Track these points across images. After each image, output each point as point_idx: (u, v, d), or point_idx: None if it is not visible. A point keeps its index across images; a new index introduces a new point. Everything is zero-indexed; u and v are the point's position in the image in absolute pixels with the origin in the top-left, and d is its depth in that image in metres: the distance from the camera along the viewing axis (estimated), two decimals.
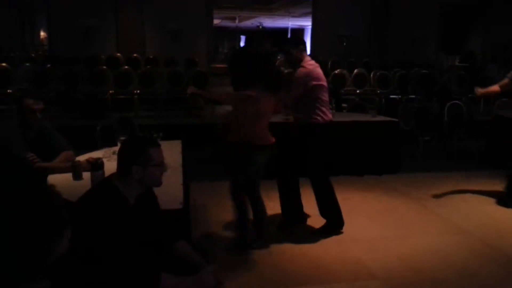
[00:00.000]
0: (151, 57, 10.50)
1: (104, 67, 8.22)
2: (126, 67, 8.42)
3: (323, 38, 11.84)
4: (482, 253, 3.29)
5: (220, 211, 4.09)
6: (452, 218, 3.99)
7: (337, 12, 11.62)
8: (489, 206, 4.27)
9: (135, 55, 10.25)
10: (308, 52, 14.07)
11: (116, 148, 3.42)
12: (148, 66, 8.84)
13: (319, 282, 2.88)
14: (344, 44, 11.53)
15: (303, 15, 16.29)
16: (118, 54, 10.24)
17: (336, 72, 8.60)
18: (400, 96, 8.44)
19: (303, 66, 3.41)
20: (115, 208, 1.80)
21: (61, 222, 1.28)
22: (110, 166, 2.69)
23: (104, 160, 2.75)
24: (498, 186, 4.54)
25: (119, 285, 1.73)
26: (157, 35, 11.20)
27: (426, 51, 12.04)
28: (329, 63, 10.20)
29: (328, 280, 2.91)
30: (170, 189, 2.48)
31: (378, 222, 3.87)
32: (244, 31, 27.09)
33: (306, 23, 18.16)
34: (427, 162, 5.87)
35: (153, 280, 1.76)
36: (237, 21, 19.74)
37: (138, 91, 7.78)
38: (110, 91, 7.66)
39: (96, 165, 2.46)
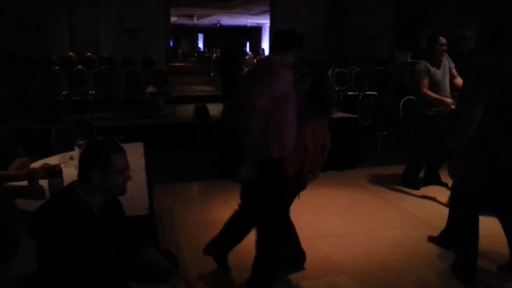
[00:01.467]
0: (106, 56, 10.17)
1: (57, 67, 7.86)
2: (80, 66, 8.10)
3: None
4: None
5: (186, 213, 4.03)
6: (412, 210, 4.14)
7: (295, 10, 11.73)
8: (446, 197, 4.46)
9: (89, 54, 9.88)
10: (267, 50, 14.12)
11: (74, 153, 3.28)
12: (104, 66, 8.54)
13: (288, 279, 2.89)
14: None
15: (261, 13, 16.34)
16: (71, 54, 9.84)
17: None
18: (357, 93, 8.65)
19: None
20: (78, 218, 1.71)
21: (13, 235, 1.19)
22: (68, 172, 2.57)
23: (61, 166, 2.62)
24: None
25: None
26: (113, 34, 10.86)
27: (382, 47, 12.40)
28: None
29: (297, 277, 2.93)
30: (135, 193, 2.40)
31: (342, 217, 3.94)
32: (202, 29, 26.87)
33: (264, 21, 18.24)
34: (386, 156, 6.06)
35: None
36: (195, 18, 19.50)
37: (94, 92, 7.51)
38: (64, 92, 7.34)
39: (53, 172, 2.33)
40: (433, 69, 4.31)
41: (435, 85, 4.31)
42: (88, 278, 1.65)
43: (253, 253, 2.71)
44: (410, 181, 4.71)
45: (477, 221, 2.76)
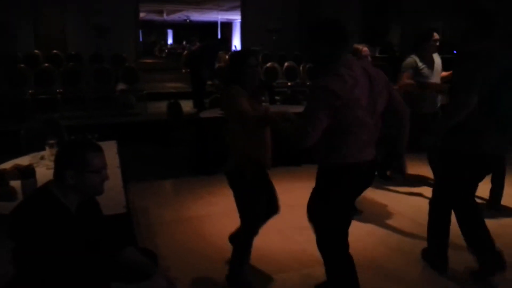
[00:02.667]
0: (73, 53, 9.91)
1: (22, 65, 7.60)
2: (46, 64, 7.86)
3: (253, 32, 11.95)
4: (414, 232, 3.55)
5: (161, 211, 4.01)
6: (384, 201, 4.26)
7: (266, 6, 11.77)
8: (416, 187, 4.61)
9: (55, 51, 9.60)
10: (239, 45, 14.03)
11: (45, 153, 3.21)
12: (71, 63, 8.33)
13: (266, 272, 2.93)
14: (274, 38, 11.73)
15: (231, 8, 16.28)
16: (37, 51, 9.53)
17: (268, 65, 8.73)
18: None
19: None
20: (55, 218, 1.68)
21: None
22: (39, 172, 2.52)
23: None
24: (421, 168, 4.92)
25: None
26: (80, 30, 10.59)
27: (352, 43, 12.59)
28: (260, 57, 10.33)
29: (275, 270, 2.97)
30: (111, 192, 2.36)
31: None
32: (171, 25, 26.53)
33: (235, 17, 18.18)
34: None
35: None
36: (164, 14, 19.22)
37: (62, 90, 7.30)
38: (30, 91, 7.11)
39: (26, 173, 2.27)
40: (421, 65, 4.19)
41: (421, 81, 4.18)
42: (68, 279, 1.62)
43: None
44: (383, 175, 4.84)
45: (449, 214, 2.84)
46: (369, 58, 4.09)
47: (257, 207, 2.62)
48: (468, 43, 2.64)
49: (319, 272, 2.91)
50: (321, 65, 2.24)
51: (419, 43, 4.30)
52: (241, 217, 2.67)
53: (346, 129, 2.16)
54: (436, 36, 4.25)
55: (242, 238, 2.73)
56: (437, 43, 4.26)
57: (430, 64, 4.25)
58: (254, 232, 2.68)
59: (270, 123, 2.43)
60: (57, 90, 7.30)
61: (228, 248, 3.28)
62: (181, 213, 3.99)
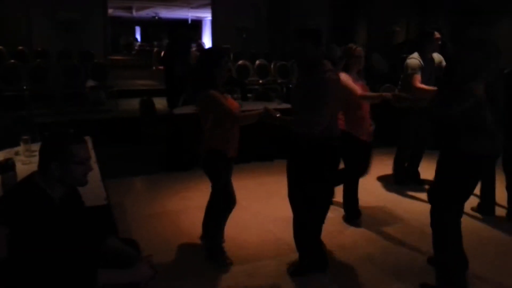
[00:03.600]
0: (40, 49, 9.65)
1: None
2: (12, 61, 7.64)
3: (224, 30, 11.97)
4: (383, 221, 3.75)
5: (137, 207, 4.04)
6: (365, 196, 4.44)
7: (236, 4, 11.81)
8: (385, 180, 4.84)
9: (20, 47, 9.33)
10: (210, 44, 13.93)
11: (19, 149, 3.20)
12: (38, 60, 8.13)
13: (242, 261, 3.04)
14: (244, 36, 11.81)
15: (201, 6, 16.22)
16: (1, 47, 9.23)
17: (240, 63, 8.81)
18: None
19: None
20: (40, 208, 1.72)
21: None
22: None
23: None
24: (389, 162, 5.15)
25: (56, 285, 1.67)
26: (45, 26, 10.30)
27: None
28: (232, 55, 10.40)
29: (253, 258, 3.09)
30: (90, 186, 2.39)
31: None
32: (139, 21, 26.12)
33: (205, 15, 18.13)
34: None
35: (90, 277, 1.73)
36: (133, 11, 18.92)
37: (29, 87, 7.13)
38: None
39: (6, 166, 2.28)
40: (423, 64, 4.18)
41: (422, 81, 4.13)
42: (54, 266, 1.67)
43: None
44: (399, 179, 4.72)
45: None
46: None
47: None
48: (467, 33, 2.49)
49: (294, 258, 3.05)
50: (306, 65, 2.65)
51: (421, 43, 4.27)
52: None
53: None
54: (437, 35, 4.25)
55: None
56: (439, 42, 4.27)
57: (431, 63, 4.30)
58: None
59: (271, 119, 2.68)
60: (24, 87, 7.12)
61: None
62: (156, 208, 4.03)
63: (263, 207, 3.98)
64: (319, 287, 2.79)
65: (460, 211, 2.63)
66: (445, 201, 2.56)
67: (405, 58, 4.38)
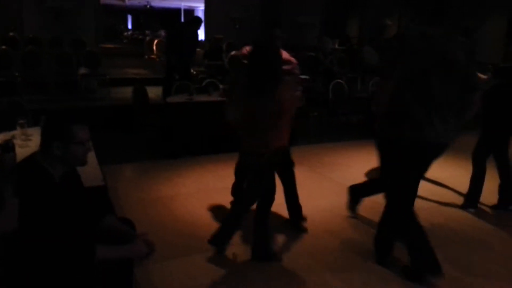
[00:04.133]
0: (31, 36, 9.60)
1: None
2: (4, 47, 7.62)
3: (217, 20, 11.99)
4: (370, 208, 3.88)
5: (131, 192, 4.12)
6: (342, 180, 4.58)
7: None
8: (371, 169, 4.98)
9: (12, 34, 9.27)
10: (203, 34, 13.91)
11: (16, 132, 3.26)
12: (30, 46, 8.11)
13: (237, 244, 3.16)
14: (237, 26, 11.85)
15: None
16: None
17: (232, 53, 8.86)
18: None
19: None
20: (42, 185, 1.80)
21: None
22: None
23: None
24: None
25: (55, 260, 1.76)
26: (37, 13, 10.24)
27: (311, 35, 12.95)
28: (224, 45, 10.43)
29: (243, 242, 3.20)
30: (87, 168, 2.48)
31: (280, 190, 4.26)
32: (131, 10, 25.91)
33: (197, 4, 18.07)
34: (317, 135, 6.53)
35: (89, 253, 1.82)
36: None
37: (18, 74, 7.12)
38: None
39: (6, 147, 2.35)
40: None
41: None
42: (56, 239, 1.76)
43: None
44: None
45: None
46: None
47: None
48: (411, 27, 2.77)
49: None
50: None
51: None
52: None
53: None
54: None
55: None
56: None
57: None
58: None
59: None
60: (16, 74, 7.12)
61: (198, 224, 3.49)
62: (149, 194, 4.12)
63: None
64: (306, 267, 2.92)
65: (411, 199, 2.76)
66: (393, 189, 2.73)
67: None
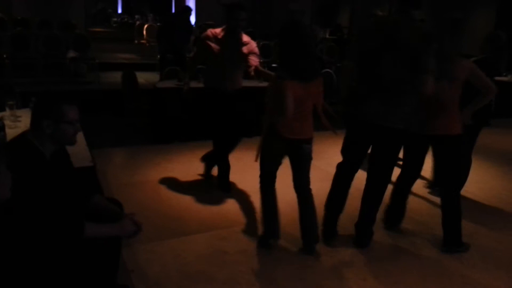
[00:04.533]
0: (20, 17, 9.47)
1: None
2: None
3: (208, 6, 11.93)
4: (353, 195, 3.98)
5: (119, 175, 4.18)
6: (328, 168, 4.66)
7: None
8: None
9: (0, 15, 9.13)
10: (194, 20, 13.81)
11: (5, 114, 3.28)
12: (19, 28, 8.01)
13: (220, 227, 3.26)
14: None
15: None
16: None
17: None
18: None
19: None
20: (33, 162, 1.85)
21: None
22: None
23: None
24: None
25: (45, 235, 1.82)
26: None
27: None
28: None
29: (228, 225, 3.30)
30: (76, 148, 2.53)
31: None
32: None
33: None
34: None
35: (77, 229, 1.87)
36: None
37: (5, 56, 7.05)
38: None
39: None
40: None
41: None
42: (45, 215, 1.81)
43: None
44: None
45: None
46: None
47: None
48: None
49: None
50: None
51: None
52: None
53: None
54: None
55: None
56: None
57: None
58: None
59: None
60: (4, 55, 7.04)
61: (185, 207, 3.56)
62: (138, 177, 4.18)
63: (241, 181, 4.15)
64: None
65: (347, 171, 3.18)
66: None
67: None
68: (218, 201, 3.72)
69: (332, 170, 4.52)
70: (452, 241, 3.06)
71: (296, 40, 2.61)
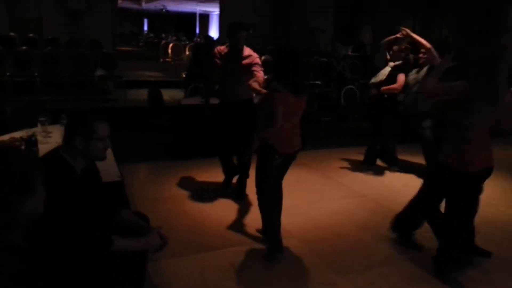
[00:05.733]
0: (50, 37, 9.85)
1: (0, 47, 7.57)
2: (24, 47, 7.84)
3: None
4: (376, 212, 3.93)
5: (143, 191, 4.23)
6: (351, 185, 4.64)
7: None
8: (380, 174, 5.02)
9: (31, 35, 9.52)
10: (216, 37, 14.00)
11: (36, 129, 3.39)
12: (49, 47, 8.32)
13: (245, 242, 3.25)
14: (250, 31, 11.97)
15: (209, 0, 16.38)
16: (12, 34, 9.43)
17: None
18: None
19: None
20: (64, 176, 1.91)
21: (30, 178, 1.37)
22: None
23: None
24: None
25: (74, 249, 1.86)
26: (55, 14, 10.50)
27: (324, 40, 13.02)
28: None
29: (252, 241, 3.29)
30: (105, 164, 2.59)
31: (290, 192, 4.28)
32: (147, 14, 26.27)
33: (212, 9, 18.27)
34: (328, 139, 6.59)
35: (106, 243, 1.91)
36: (143, 3, 19.07)
37: (36, 74, 7.32)
38: (8, 73, 7.11)
39: (30, 142, 2.47)
40: None
41: None
42: (76, 229, 1.86)
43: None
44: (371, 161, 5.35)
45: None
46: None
47: None
48: None
49: (291, 242, 3.24)
50: None
51: None
52: None
53: None
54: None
55: None
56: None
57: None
58: None
59: None
60: (35, 74, 7.32)
61: (209, 223, 3.58)
62: (162, 192, 4.23)
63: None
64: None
65: None
66: None
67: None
68: (241, 216, 3.72)
69: (358, 188, 4.52)
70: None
71: (293, 60, 2.85)
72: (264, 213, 3.13)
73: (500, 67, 2.59)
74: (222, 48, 4.09)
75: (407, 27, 4.64)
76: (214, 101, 4.38)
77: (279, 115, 2.73)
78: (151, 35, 22.22)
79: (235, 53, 3.95)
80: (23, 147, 2.49)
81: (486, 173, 2.73)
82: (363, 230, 3.58)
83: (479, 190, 2.94)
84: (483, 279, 2.91)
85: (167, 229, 3.33)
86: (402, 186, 4.56)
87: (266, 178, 3.00)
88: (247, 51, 3.96)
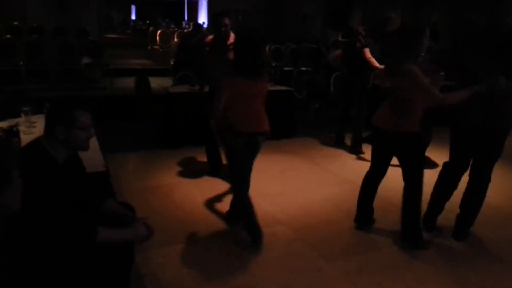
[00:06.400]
0: (35, 25, 9.65)
1: None
2: (8, 36, 7.67)
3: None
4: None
5: (132, 180, 4.20)
6: (340, 172, 4.65)
7: None
8: (369, 160, 5.03)
9: (16, 23, 9.32)
10: (206, 24, 13.88)
11: (20, 120, 3.33)
12: (34, 35, 8.15)
13: (234, 232, 3.24)
14: (240, 18, 11.85)
15: None
16: None
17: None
18: (292, 68, 9.09)
19: None
20: (45, 167, 1.86)
21: (6, 168, 1.33)
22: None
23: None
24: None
25: (58, 240, 1.83)
26: (40, 2, 10.28)
27: (315, 27, 12.94)
28: None
29: (242, 229, 3.27)
30: (90, 154, 2.55)
31: (280, 179, 4.35)
32: (134, 0, 25.84)
33: None
34: (317, 126, 6.58)
35: (90, 233, 1.88)
36: None
37: (21, 63, 7.18)
38: None
39: (11, 132, 2.42)
40: None
41: None
42: (58, 220, 1.83)
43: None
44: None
45: None
46: None
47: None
48: None
49: (280, 230, 3.25)
50: None
51: None
52: None
53: None
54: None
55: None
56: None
57: None
58: None
59: None
60: (20, 63, 7.17)
61: (198, 212, 3.57)
62: (150, 182, 4.20)
63: (251, 184, 4.14)
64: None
65: None
66: None
67: None
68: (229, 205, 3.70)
69: (347, 175, 4.53)
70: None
71: (246, 45, 2.88)
72: (237, 198, 3.14)
73: None
74: (210, 37, 4.17)
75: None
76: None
77: (221, 98, 2.83)
78: (140, 22, 21.88)
79: (221, 42, 3.98)
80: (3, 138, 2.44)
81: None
82: (351, 216, 3.57)
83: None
84: (462, 265, 2.95)
85: (155, 218, 3.34)
86: (391, 171, 4.58)
87: (232, 159, 2.99)
88: (233, 38, 3.96)
